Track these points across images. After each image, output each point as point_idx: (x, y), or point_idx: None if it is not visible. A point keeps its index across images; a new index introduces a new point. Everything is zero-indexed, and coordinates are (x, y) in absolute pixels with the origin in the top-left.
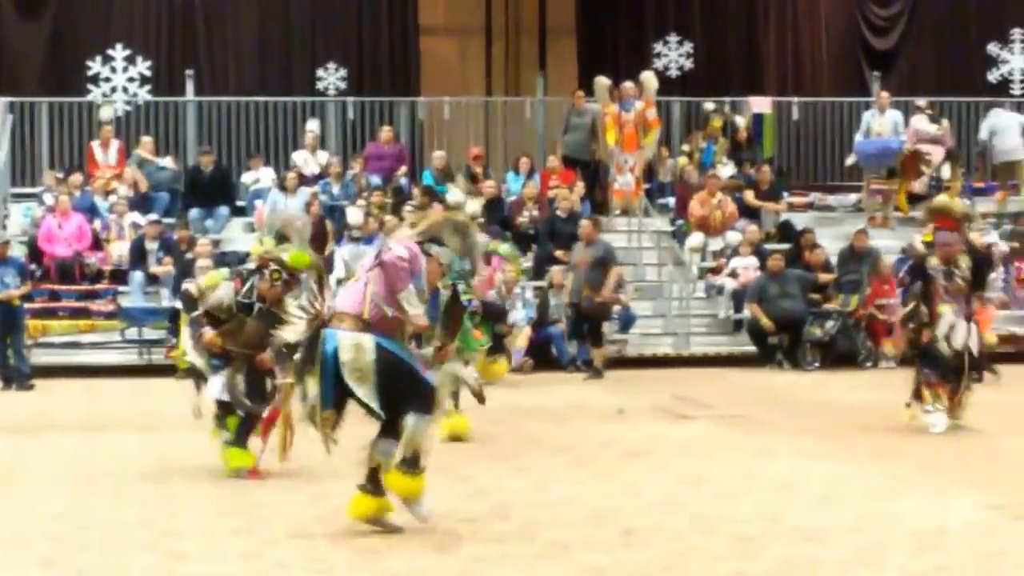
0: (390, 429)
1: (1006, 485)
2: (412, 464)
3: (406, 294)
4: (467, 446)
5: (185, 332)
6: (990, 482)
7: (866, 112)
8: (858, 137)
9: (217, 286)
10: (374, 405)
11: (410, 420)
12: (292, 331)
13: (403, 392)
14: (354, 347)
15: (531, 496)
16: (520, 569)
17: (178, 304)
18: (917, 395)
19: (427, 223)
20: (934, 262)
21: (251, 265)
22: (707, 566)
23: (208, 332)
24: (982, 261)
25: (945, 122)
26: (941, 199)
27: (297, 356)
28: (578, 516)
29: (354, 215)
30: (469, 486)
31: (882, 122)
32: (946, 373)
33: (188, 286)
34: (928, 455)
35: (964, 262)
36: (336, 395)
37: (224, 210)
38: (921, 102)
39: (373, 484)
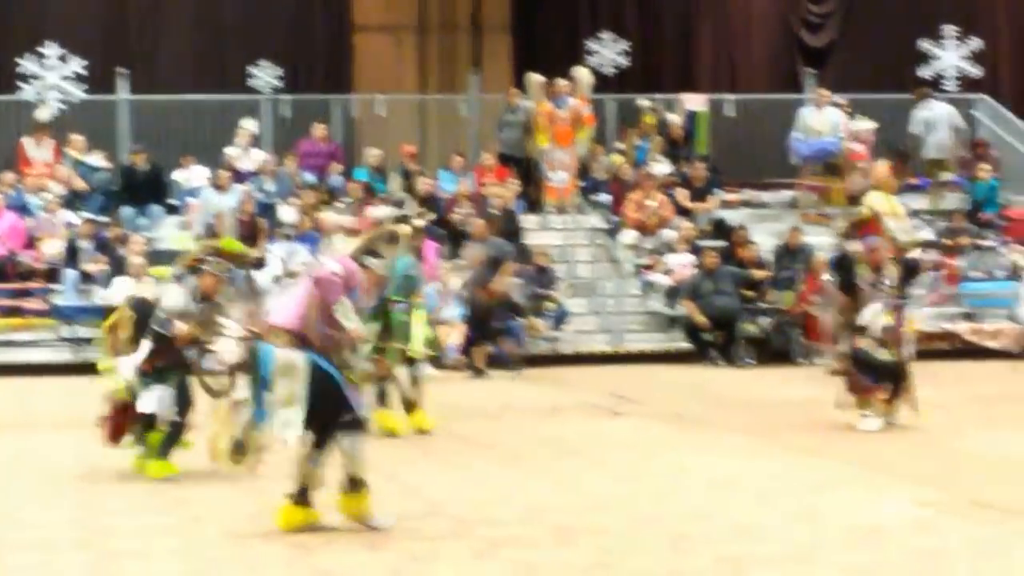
0: (318, 442)
1: (940, 482)
2: (356, 484)
3: (341, 308)
4: (400, 444)
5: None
6: (924, 479)
7: (803, 109)
8: (796, 134)
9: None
10: (296, 428)
11: (344, 442)
12: (228, 352)
13: (334, 411)
14: (287, 365)
15: (465, 494)
16: (453, 567)
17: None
18: (854, 398)
19: (362, 238)
20: (863, 271)
21: (179, 270)
22: (642, 564)
23: (180, 327)
24: (912, 268)
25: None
26: (859, 213)
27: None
28: (512, 514)
29: (287, 213)
30: (402, 484)
31: (820, 119)
32: (880, 378)
33: (143, 295)
34: (862, 452)
35: (892, 270)
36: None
37: (158, 208)
38: (841, 100)
39: (302, 496)
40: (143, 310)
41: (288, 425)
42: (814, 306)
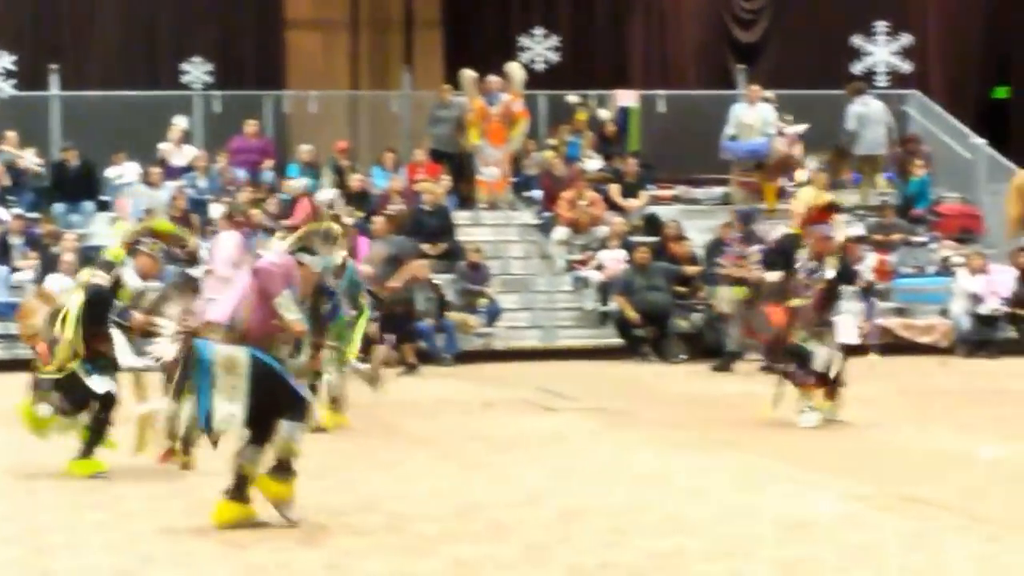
0: (257, 437)
1: (871, 476)
2: (284, 470)
3: (282, 300)
4: (332, 439)
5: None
6: (855, 473)
7: (735, 105)
8: (728, 130)
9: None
10: (236, 422)
11: (284, 427)
12: (165, 350)
13: (276, 403)
14: (228, 361)
15: (398, 489)
16: (387, 562)
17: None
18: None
19: (297, 235)
20: (805, 255)
21: (108, 257)
22: (574, 558)
23: (138, 316)
24: (848, 274)
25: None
26: (823, 198)
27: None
28: (445, 509)
29: (217, 210)
30: (335, 479)
31: (752, 116)
32: (814, 371)
33: (98, 280)
34: (794, 447)
35: (832, 264)
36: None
37: (89, 205)
38: (770, 95)
39: (238, 491)
40: (102, 299)
41: (229, 420)
42: (731, 274)
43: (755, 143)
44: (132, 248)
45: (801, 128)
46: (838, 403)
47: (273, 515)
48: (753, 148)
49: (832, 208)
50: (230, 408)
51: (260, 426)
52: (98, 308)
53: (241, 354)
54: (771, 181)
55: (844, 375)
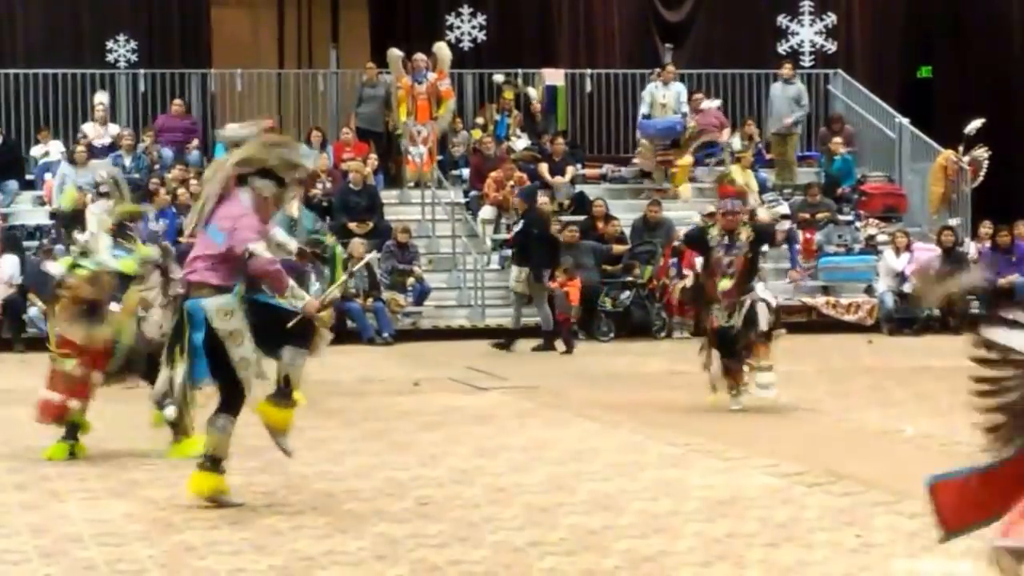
0: (228, 405)
1: (797, 454)
2: (284, 396)
3: (292, 290)
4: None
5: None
6: (782, 452)
7: (649, 84)
8: (643, 109)
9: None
10: (250, 365)
11: (286, 353)
12: (151, 326)
13: (281, 333)
14: (221, 311)
15: (326, 468)
16: (315, 541)
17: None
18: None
19: (242, 152)
20: (715, 232)
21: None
22: (502, 536)
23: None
24: (763, 235)
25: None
26: (728, 168)
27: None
28: (373, 488)
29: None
30: (262, 459)
31: (666, 94)
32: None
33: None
34: (720, 425)
35: (745, 234)
36: (213, 365)
37: (13, 184)
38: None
39: (212, 462)
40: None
41: (245, 364)
42: (670, 278)
43: (669, 120)
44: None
45: (715, 103)
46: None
47: (192, 498)
48: (667, 126)
49: (728, 181)
50: (240, 352)
51: (227, 388)
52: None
53: (233, 302)
54: (683, 157)
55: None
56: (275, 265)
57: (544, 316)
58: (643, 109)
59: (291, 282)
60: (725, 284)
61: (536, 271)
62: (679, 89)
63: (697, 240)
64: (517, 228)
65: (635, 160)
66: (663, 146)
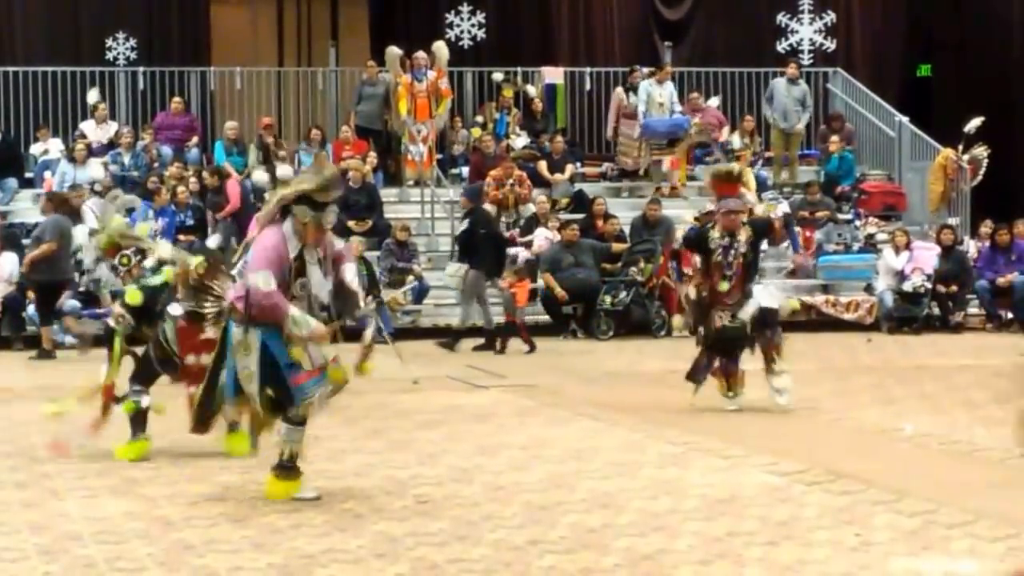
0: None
1: (796, 453)
2: (284, 469)
3: (291, 320)
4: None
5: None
6: (780, 450)
7: (643, 82)
8: (640, 108)
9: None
10: (256, 403)
11: (281, 428)
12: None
13: (279, 398)
14: (241, 345)
15: (325, 466)
16: (315, 539)
17: None
18: (721, 383)
19: (282, 187)
20: (715, 234)
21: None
22: (501, 534)
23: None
24: (760, 230)
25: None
26: (724, 166)
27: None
28: (373, 486)
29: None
30: (261, 457)
31: (662, 92)
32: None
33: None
34: (719, 423)
35: (744, 235)
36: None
37: (12, 182)
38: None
39: (286, 466)
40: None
41: (252, 398)
42: (672, 280)
43: (676, 120)
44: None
45: (714, 102)
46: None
47: (202, 492)
48: (674, 125)
49: (733, 177)
50: (249, 388)
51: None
52: None
53: (253, 339)
54: (680, 155)
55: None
56: (270, 299)
57: (486, 315)
58: (640, 108)
59: (292, 311)
60: (724, 286)
61: (482, 270)
62: (672, 88)
63: (696, 242)
64: (462, 227)
65: (618, 159)
66: (659, 145)
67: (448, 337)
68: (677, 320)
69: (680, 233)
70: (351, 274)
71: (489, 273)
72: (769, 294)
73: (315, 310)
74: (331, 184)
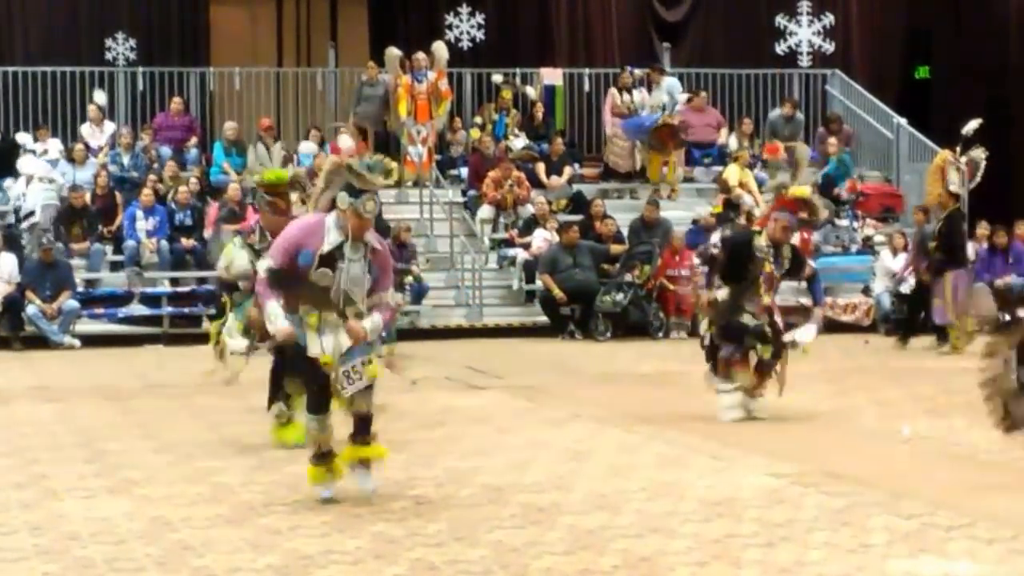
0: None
1: (793, 454)
2: (316, 456)
3: (267, 310)
4: (258, 418)
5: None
6: (778, 452)
7: (613, 89)
8: (637, 107)
9: (232, 258)
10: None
11: (304, 418)
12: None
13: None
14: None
15: None
16: (313, 540)
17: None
18: (716, 370)
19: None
20: (762, 243)
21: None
22: (499, 535)
23: (251, 309)
24: (800, 262)
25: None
26: (801, 188)
27: None
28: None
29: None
30: (260, 458)
31: (657, 94)
32: (744, 346)
33: (219, 272)
34: (717, 425)
35: (787, 252)
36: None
37: (11, 181)
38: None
39: (322, 456)
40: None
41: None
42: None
43: (639, 126)
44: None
45: (700, 100)
46: (778, 382)
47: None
48: (638, 129)
49: (804, 204)
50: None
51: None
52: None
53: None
54: (663, 153)
55: (782, 355)
56: (259, 286)
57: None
58: (643, 112)
59: (269, 306)
60: (767, 300)
61: None
62: (671, 85)
63: (742, 248)
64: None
65: (609, 159)
66: (650, 146)
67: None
68: (742, 377)
69: (678, 234)
70: (391, 296)
71: None
72: (811, 333)
73: (341, 304)
74: (374, 168)
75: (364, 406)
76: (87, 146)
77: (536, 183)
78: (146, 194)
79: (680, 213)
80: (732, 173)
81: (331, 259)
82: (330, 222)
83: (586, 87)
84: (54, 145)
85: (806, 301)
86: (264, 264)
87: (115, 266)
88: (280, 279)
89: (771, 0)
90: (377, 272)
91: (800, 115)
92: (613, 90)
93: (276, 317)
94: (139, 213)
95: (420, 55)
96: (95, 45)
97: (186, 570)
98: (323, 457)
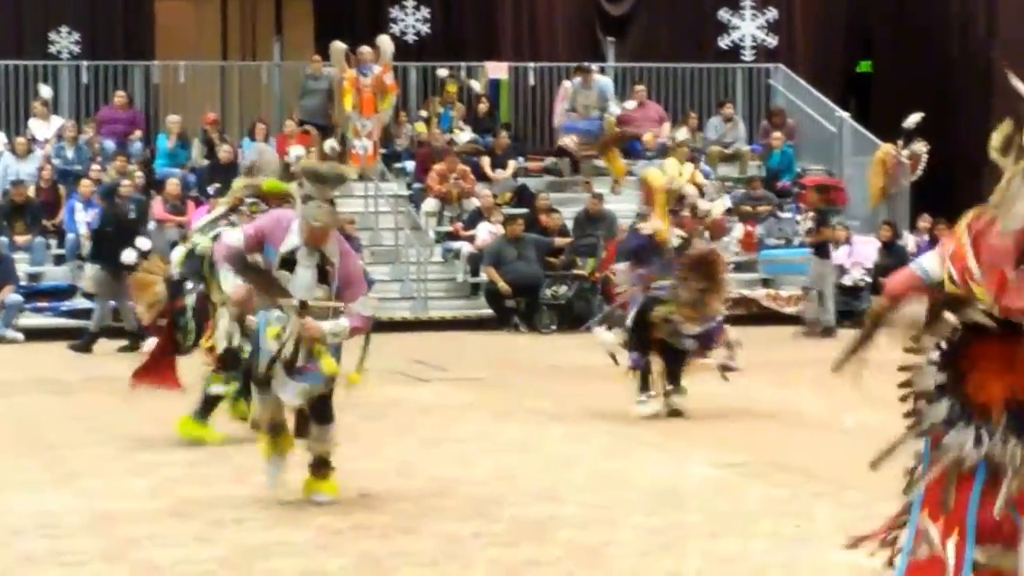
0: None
1: (738, 445)
2: (318, 466)
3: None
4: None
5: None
6: (723, 442)
7: (566, 83)
8: (564, 105)
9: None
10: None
11: (313, 430)
12: None
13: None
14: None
15: None
16: (258, 532)
17: None
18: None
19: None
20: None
21: (222, 210)
22: (444, 527)
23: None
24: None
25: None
26: (650, 171)
27: None
28: None
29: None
30: (205, 451)
31: (588, 95)
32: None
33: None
34: (662, 417)
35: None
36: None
37: None
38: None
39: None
40: None
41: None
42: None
43: (587, 130)
44: (234, 209)
45: (631, 105)
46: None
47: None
48: (587, 131)
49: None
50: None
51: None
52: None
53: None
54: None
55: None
56: (220, 250)
57: (126, 315)
58: (564, 106)
59: (223, 269)
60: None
61: (114, 269)
62: (603, 86)
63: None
64: (94, 226)
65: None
66: (586, 142)
67: (81, 339)
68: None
69: (623, 227)
70: (363, 306)
71: (119, 272)
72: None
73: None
74: (326, 176)
75: (324, 450)
76: (34, 139)
77: (481, 176)
78: (85, 185)
79: (625, 206)
80: (670, 166)
81: (291, 262)
82: (295, 224)
83: (531, 81)
84: None
85: (749, 293)
86: (233, 236)
87: (59, 259)
88: (246, 266)
89: None
90: (338, 285)
91: (741, 121)
92: (566, 83)
93: (230, 282)
94: (78, 205)
95: (365, 49)
96: (39, 39)
97: (130, 563)
98: (275, 429)
